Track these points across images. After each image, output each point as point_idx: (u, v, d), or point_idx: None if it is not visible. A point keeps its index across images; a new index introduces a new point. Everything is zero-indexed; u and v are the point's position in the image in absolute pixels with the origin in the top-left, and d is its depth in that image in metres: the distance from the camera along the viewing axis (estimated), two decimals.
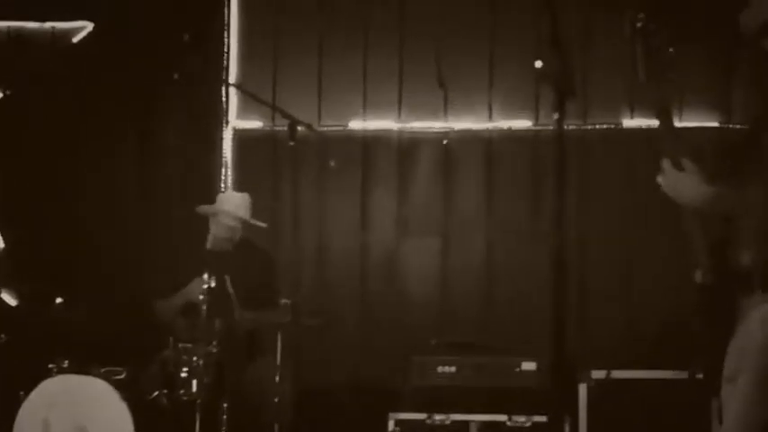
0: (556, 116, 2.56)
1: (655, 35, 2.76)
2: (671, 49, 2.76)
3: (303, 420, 5.42)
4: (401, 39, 6.39)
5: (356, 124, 6.42)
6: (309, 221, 6.31)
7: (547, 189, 6.08)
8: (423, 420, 5.31)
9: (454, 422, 5.31)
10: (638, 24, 2.72)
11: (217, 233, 5.57)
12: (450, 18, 6.32)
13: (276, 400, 4.83)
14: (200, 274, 5.10)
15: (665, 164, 3.03)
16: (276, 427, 4.92)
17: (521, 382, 5.38)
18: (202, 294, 5.04)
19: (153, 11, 6.39)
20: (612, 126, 6.24)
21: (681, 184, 3.01)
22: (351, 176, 6.39)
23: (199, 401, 4.95)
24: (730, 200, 2.99)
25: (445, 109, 6.36)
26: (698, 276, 3.02)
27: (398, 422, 5.31)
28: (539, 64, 2.52)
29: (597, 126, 6.23)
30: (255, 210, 5.63)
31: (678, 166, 3.01)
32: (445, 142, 6.35)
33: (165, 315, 5.45)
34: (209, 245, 5.60)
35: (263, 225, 5.61)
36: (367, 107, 6.41)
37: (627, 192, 6.07)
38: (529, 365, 5.41)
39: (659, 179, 3.06)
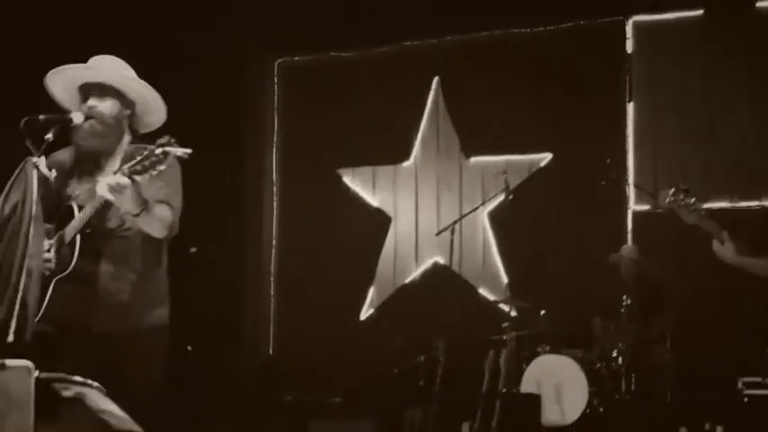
0: None
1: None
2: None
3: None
4: None
5: None
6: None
7: None
8: None
9: None
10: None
11: (624, 270, 8.68)
12: None
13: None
14: (620, 296, 8.37)
15: (714, 244, 5.01)
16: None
17: None
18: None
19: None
20: None
21: (723, 252, 4.99)
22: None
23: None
24: (756, 265, 5.04)
25: None
26: None
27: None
28: None
29: None
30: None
31: (721, 242, 4.97)
32: None
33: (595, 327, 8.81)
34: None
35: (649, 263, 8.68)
36: None
37: None
38: None
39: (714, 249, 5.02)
